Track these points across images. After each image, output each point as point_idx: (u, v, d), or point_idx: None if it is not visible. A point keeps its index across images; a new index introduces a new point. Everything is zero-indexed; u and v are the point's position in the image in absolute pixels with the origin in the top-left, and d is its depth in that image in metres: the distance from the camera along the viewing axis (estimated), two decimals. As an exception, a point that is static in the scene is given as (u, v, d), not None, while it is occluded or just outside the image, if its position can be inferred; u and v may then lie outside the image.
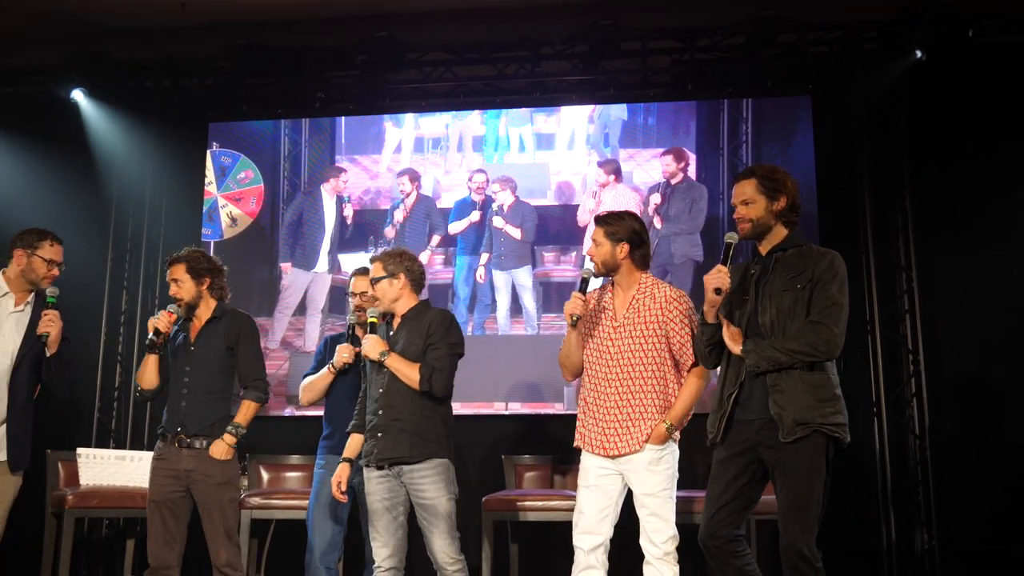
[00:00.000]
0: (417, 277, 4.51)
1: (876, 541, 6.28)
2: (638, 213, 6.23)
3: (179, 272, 4.66)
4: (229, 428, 4.55)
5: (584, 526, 4.12)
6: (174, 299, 4.68)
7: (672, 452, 4.14)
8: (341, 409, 4.82)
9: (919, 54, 6.47)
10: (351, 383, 4.82)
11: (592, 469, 4.17)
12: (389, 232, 7.21)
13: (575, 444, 4.29)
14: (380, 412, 4.35)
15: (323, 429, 4.96)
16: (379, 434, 4.32)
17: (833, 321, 3.65)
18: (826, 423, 3.64)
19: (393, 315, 4.51)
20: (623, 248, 4.20)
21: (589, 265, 4.28)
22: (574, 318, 4.15)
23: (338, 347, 4.85)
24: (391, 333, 4.48)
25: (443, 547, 4.25)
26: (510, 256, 7.05)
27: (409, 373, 4.32)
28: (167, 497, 4.54)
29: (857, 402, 6.30)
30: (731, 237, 3.85)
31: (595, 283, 4.33)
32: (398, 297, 4.46)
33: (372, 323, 4.44)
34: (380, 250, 4.78)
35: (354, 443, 4.52)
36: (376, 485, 4.35)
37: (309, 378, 4.95)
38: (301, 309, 7.20)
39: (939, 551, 6.14)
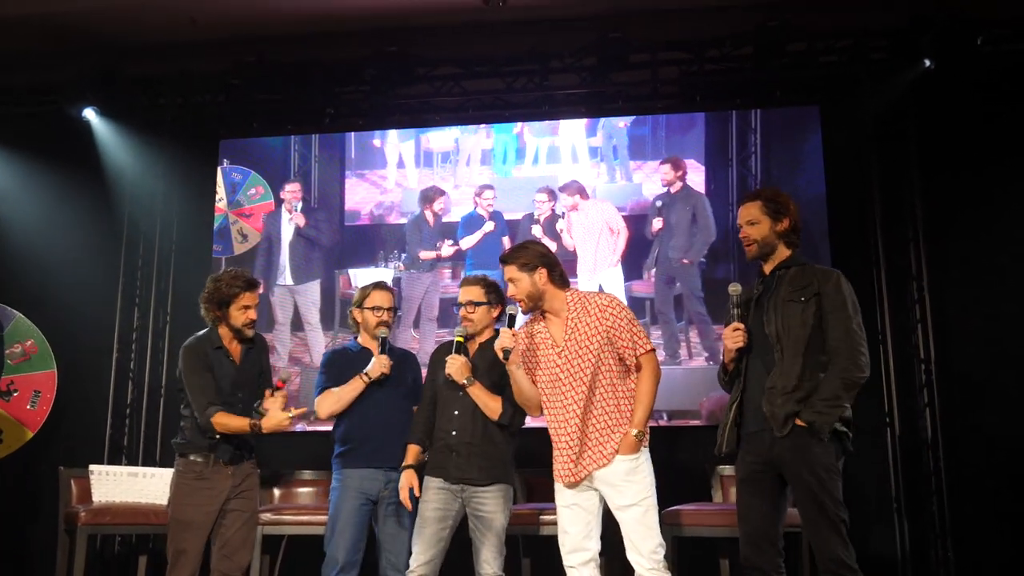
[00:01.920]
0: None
1: (890, 552, 6.23)
2: (618, 221, 6.59)
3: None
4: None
5: (571, 545, 4.16)
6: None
7: (646, 459, 4.14)
8: (361, 424, 4.80)
9: (928, 63, 6.44)
10: (373, 400, 4.80)
11: (568, 489, 4.19)
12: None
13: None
14: (454, 432, 4.51)
15: (336, 446, 4.90)
16: (452, 453, 4.49)
17: (856, 344, 3.83)
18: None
19: (471, 337, 4.65)
20: (541, 274, 4.20)
21: (513, 306, 4.28)
22: (505, 352, 4.16)
23: (377, 357, 4.83)
24: (470, 357, 4.60)
25: (489, 559, 4.42)
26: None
27: (491, 404, 4.49)
28: (209, 518, 4.53)
29: (870, 412, 6.28)
30: (734, 289, 3.98)
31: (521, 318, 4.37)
32: (488, 325, 4.64)
33: (459, 343, 4.58)
34: (479, 274, 4.86)
35: (412, 452, 4.62)
36: (433, 495, 4.50)
37: (335, 389, 4.84)
38: (299, 325, 7.21)
39: (954, 562, 6.10)
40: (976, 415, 6.34)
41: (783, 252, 4.03)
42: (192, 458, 4.54)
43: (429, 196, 7.27)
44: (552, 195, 7.11)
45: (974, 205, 6.58)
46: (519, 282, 4.20)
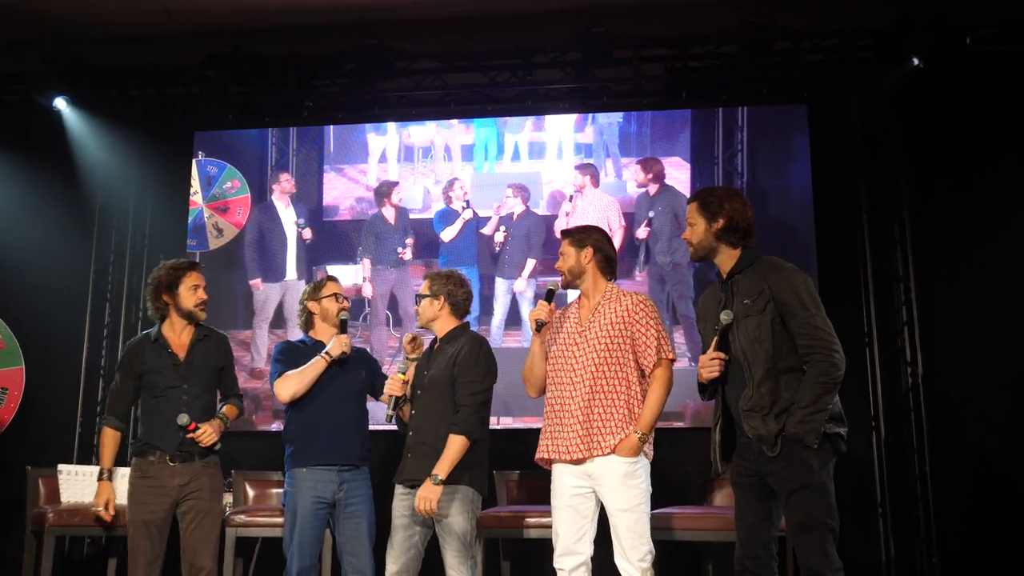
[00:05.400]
0: (459, 301, 4.58)
1: (875, 557, 6.20)
2: (618, 218, 6.36)
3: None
4: (220, 415, 4.62)
5: (563, 547, 4.13)
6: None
7: (645, 466, 4.12)
8: (312, 421, 4.69)
9: (916, 62, 6.39)
10: (323, 396, 4.69)
11: (565, 488, 4.16)
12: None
13: (537, 457, 4.29)
14: (410, 433, 4.46)
15: (286, 446, 4.78)
16: (408, 455, 4.44)
17: (826, 342, 3.66)
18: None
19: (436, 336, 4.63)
20: (588, 253, 4.24)
21: (555, 281, 4.29)
22: (539, 323, 4.19)
23: (336, 337, 4.74)
24: (430, 355, 4.57)
25: (452, 564, 4.32)
26: (513, 265, 6.95)
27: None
28: (156, 516, 4.50)
29: (855, 416, 6.19)
30: (727, 316, 3.77)
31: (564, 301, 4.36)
32: (435, 318, 4.57)
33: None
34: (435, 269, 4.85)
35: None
36: (399, 501, 4.43)
37: (295, 370, 4.71)
38: (280, 323, 7.07)
39: (939, 568, 6.07)
40: (962, 419, 6.32)
41: (730, 253, 3.86)
42: (142, 458, 4.56)
43: (383, 192, 7.15)
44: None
45: (961, 206, 6.56)
46: (566, 256, 4.26)
